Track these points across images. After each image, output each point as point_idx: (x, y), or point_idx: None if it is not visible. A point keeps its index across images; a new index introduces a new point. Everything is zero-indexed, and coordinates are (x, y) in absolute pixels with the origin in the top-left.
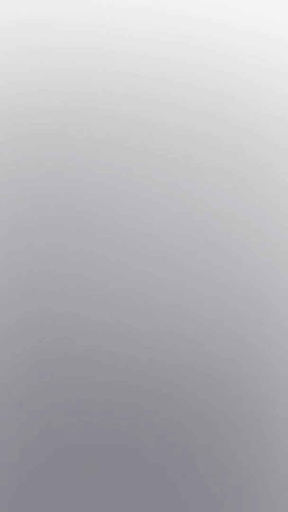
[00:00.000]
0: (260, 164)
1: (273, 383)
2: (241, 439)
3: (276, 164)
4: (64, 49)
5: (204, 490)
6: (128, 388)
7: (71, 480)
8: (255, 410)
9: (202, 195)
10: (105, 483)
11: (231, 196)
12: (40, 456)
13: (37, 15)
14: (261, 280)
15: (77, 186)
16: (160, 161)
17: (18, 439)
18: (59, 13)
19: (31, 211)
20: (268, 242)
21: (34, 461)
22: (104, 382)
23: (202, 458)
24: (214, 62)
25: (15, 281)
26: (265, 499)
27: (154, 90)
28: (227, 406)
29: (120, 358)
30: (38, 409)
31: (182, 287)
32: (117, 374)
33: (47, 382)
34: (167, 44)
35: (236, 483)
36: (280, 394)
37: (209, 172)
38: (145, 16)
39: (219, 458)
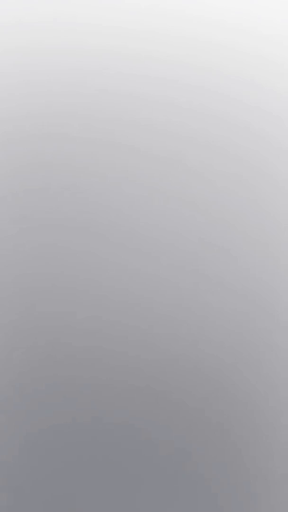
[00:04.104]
0: (260, 164)
1: (274, 383)
2: (242, 439)
3: (276, 164)
4: (64, 49)
5: (203, 489)
6: (128, 388)
7: (71, 480)
8: (256, 409)
9: (201, 195)
10: (105, 483)
11: (231, 195)
12: (40, 456)
13: (37, 15)
14: (262, 280)
15: (77, 186)
16: (160, 161)
17: (17, 439)
18: (59, 13)
19: (31, 211)
20: (269, 242)
21: (33, 461)
22: (104, 382)
23: (202, 458)
24: (214, 62)
25: (14, 281)
26: (265, 498)
27: (154, 90)
28: (227, 406)
29: (120, 358)
30: (37, 409)
31: (182, 287)
32: (117, 374)
33: (47, 382)
34: (167, 44)
35: (236, 483)
36: (280, 394)
37: (209, 172)
38: (145, 16)
39: (220, 458)
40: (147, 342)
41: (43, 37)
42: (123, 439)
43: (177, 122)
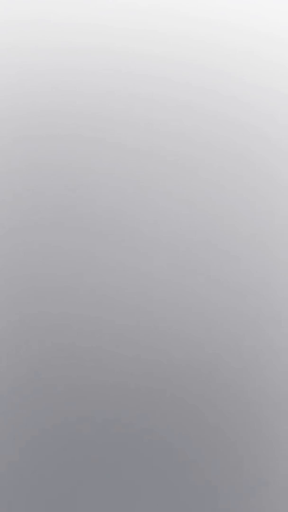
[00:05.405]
0: (260, 164)
1: (274, 383)
2: (241, 438)
3: (276, 163)
4: (64, 49)
5: (203, 489)
6: (128, 387)
7: (71, 480)
8: (256, 409)
9: (201, 195)
10: (105, 483)
11: (231, 195)
12: (40, 456)
13: (37, 15)
14: (261, 280)
15: (77, 186)
16: (159, 160)
17: (18, 439)
18: (59, 13)
19: (31, 211)
20: (268, 242)
21: (34, 461)
22: (104, 382)
23: (202, 458)
24: (214, 62)
25: (14, 281)
26: (265, 498)
27: (154, 90)
28: (227, 406)
29: (119, 358)
30: (38, 409)
31: (181, 287)
32: (117, 374)
33: (46, 382)
34: (167, 44)
35: (236, 483)
36: (280, 394)
37: (208, 172)
38: (145, 16)
39: (220, 458)
40: (147, 342)
41: (43, 37)
42: (123, 439)
43: (177, 122)
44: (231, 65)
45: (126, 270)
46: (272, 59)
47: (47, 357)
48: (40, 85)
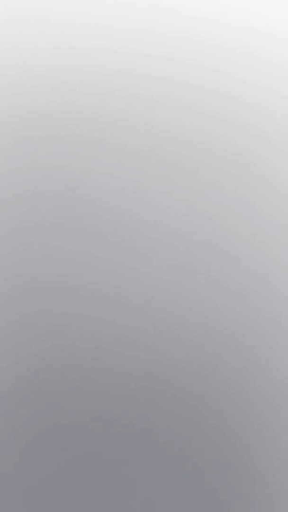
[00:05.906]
0: (260, 164)
1: (273, 383)
2: (241, 438)
3: (276, 163)
4: (64, 49)
5: (203, 489)
6: (128, 387)
7: (71, 479)
8: (256, 410)
9: (201, 195)
10: (105, 482)
11: (231, 195)
12: (40, 456)
13: (37, 15)
14: (261, 280)
15: (77, 186)
16: (159, 160)
17: (18, 439)
18: (59, 13)
19: (31, 211)
20: (268, 242)
21: (34, 461)
22: (104, 382)
23: (202, 457)
24: (214, 62)
25: (14, 281)
26: (265, 498)
27: (154, 90)
28: (227, 406)
29: (120, 358)
30: (38, 409)
31: (181, 287)
32: (117, 374)
33: (46, 382)
34: (167, 44)
35: (236, 483)
36: (280, 394)
37: (208, 172)
38: (145, 16)
39: (220, 457)
40: (147, 342)
41: (43, 37)
42: (123, 439)
43: (177, 122)
44: (231, 65)
45: (126, 270)
46: (272, 59)
47: (47, 357)
48: (40, 85)
